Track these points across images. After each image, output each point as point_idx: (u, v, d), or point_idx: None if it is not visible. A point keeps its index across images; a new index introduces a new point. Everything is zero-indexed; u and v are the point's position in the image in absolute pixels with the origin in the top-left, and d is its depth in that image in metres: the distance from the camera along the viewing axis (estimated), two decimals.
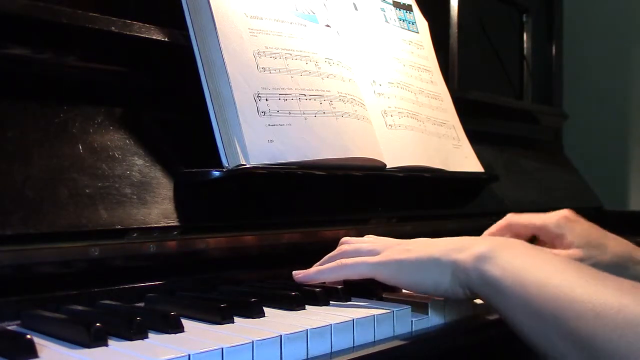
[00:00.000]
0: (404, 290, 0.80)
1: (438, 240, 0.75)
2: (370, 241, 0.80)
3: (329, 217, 0.97)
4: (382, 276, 0.73)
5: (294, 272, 0.79)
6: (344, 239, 0.83)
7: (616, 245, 0.91)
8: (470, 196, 1.20)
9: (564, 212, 0.93)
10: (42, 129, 0.74)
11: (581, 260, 0.85)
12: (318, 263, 0.81)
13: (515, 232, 0.95)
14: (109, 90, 0.84)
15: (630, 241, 1.39)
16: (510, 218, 0.96)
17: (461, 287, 0.69)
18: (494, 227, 0.97)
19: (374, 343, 0.66)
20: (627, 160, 1.97)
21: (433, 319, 0.73)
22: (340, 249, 0.80)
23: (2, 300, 0.64)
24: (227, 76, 0.82)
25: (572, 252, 0.87)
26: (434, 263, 0.70)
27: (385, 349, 0.65)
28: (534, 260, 0.65)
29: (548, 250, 0.87)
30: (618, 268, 0.86)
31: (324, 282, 0.78)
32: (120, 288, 0.73)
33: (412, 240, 0.77)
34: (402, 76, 1.11)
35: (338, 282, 0.79)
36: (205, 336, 0.58)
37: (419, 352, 0.69)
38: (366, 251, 0.77)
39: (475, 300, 0.77)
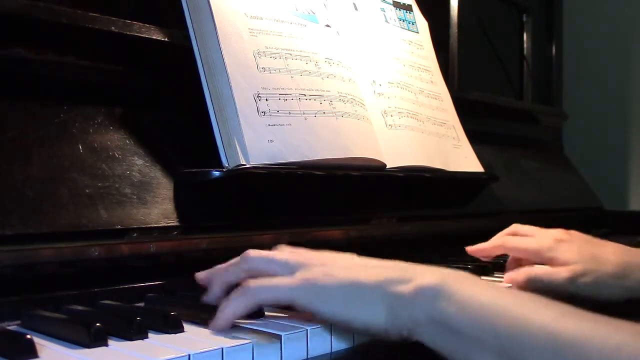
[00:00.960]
0: None
1: (369, 263, 0.62)
2: (283, 252, 0.65)
3: (329, 217, 0.97)
4: (299, 304, 0.59)
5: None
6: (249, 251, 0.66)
7: (615, 253, 0.87)
8: (470, 196, 1.20)
9: (555, 234, 0.89)
10: (42, 129, 0.74)
11: (582, 275, 0.82)
12: (218, 269, 0.67)
13: (506, 253, 0.93)
14: (109, 90, 0.84)
15: (631, 241, 1.39)
16: (506, 240, 0.91)
17: (397, 330, 0.56)
18: (487, 244, 0.92)
19: None
20: (627, 160, 1.97)
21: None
22: (243, 256, 0.65)
23: (2, 300, 0.64)
24: (227, 76, 0.82)
25: (573, 267, 0.83)
26: (366, 294, 0.57)
27: None
28: (501, 294, 0.55)
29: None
30: (620, 277, 0.83)
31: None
32: (120, 288, 0.73)
33: (339, 255, 0.64)
34: (402, 76, 1.11)
35: None
36: (205, 336, 0.58)
37: None
38: (278, 263, 0.62)
39: None
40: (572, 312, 0.53)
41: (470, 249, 0.96)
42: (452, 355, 0.55)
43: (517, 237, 0.92)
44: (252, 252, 0.65)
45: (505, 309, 0.53)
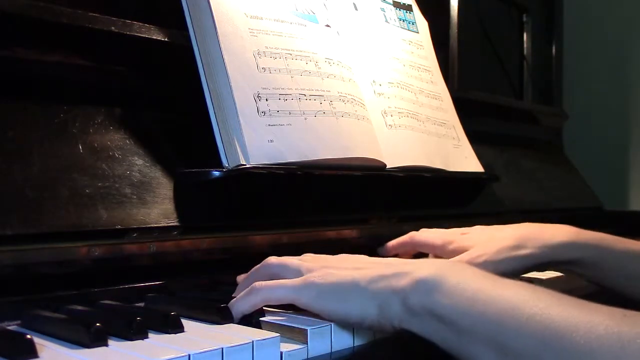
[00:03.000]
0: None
1: (369, 262, 0.66)
2: (302, 258, 0.70)
3: (329, 217, 0.97)
4: (301, 302, 0.63)
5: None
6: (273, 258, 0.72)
7: (512, 230, 0.89)
8: (470, 196, 1.20)
9: (459, 230, 0.94)
10: (42, 129, 0.74)
11: (478, 256, 0.85)
12: (243, 276, 0.73)
13: (414, 249, 0.97)
14: (109, 90, 0.84)
15: None
16: (413, 235, 0.96)
17: (388, 321, 0.59)
18: (395, 241, 0.98)
19: None
20: (627, 160, 1.97)
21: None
22: (264, 262, 0.70)
23: (2, 300, 0.64)
24: (227, 76, 0.82)
25: (470, 251, 0.87)
26: (358, 290, 0.60)
27: None
28: (494, 284, 0.56)
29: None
30: (516, 248, 0.86)
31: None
32: (120, 288, 0.73)
33: (350, 257, 0.69)
34: (402, 76, 1.11)
35: None
36: (205, 336, 0.57)
37: None
38: (291, 269, 0.67)
39: None
40: (562, 300, 0.53)
41: (381, 248, 0.99)
42: (445, 344, 0.56)
43: (425, 232, 0.96)
44: (272, 259, 0.70)
45: (495, 298, 0.54)
